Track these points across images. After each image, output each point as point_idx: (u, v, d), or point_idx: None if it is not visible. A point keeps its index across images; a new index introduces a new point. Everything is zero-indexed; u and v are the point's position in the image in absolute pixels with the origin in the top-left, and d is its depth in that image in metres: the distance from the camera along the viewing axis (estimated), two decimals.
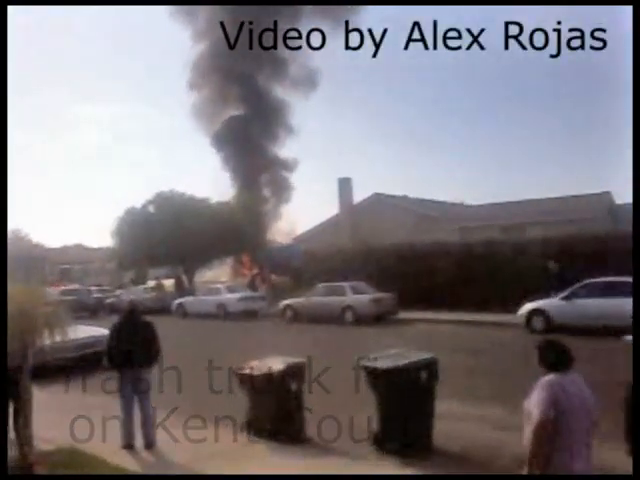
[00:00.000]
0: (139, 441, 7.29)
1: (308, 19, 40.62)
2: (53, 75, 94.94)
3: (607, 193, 32.03)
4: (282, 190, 44.18)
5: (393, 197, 36.57)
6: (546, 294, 16.95)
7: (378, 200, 35.77)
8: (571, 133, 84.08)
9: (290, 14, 40.55)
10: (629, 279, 15.15)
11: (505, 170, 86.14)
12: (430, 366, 6.92)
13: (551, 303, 16.07)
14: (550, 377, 3.89)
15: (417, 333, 17.40)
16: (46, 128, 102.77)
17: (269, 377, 7.24)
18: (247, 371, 7.51)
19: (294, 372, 7.40)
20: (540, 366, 4.07)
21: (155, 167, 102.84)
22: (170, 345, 8.74)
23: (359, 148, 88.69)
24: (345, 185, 37.83)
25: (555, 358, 4.01)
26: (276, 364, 7.46)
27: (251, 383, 7.44)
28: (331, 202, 43.29)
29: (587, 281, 15.83)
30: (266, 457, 6.72)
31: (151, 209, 34.21)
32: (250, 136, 42.33)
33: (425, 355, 7.10)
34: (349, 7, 39.93)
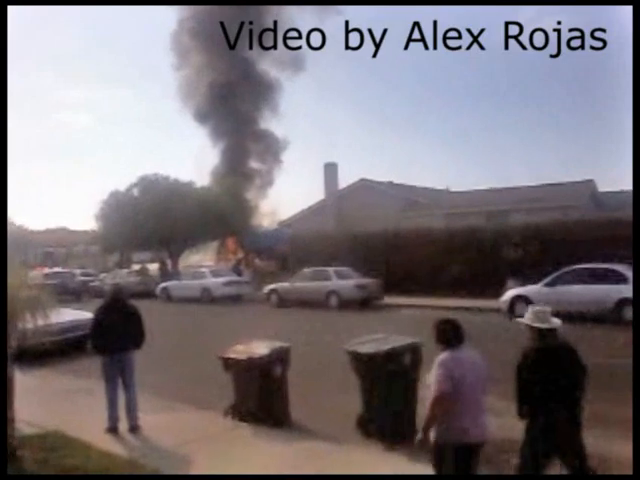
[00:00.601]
0: (124, 424, 7.29)
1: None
2: (35, 59, 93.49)
3: (590, 181, 32.28)
4: (271, 167, 44.03)
5: (379, 183, 36.56)
6: (507, 279, 17.94)
7: (364, 186, 35.75)
8: (556, 121, 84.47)
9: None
10: (611, 265, 15.36)
11: (491, 157, 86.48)
12: (414, 351, 6.97)
13: (534, 289, 16.22)
14: (445, 354, 4.32)
15: (401, 318, 17.50)
16: (32, 111, 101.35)
17: (254, 361, 7.25)
18: (232, 355, 7.51)
19: (279, 356, 7.43)
20: (437, 343, 4.44)
21: (140, 150, 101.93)
22: (155, 329, 8.72)
23: (345, 133, 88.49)
24: (331, 170, 37.74)
25: (449, 335, 4.44)
26: (261, 348, 7.47)
27: (236, 367, 7.44)
28: (317, 187, 43.18)
29: (570, 267, 15.99)
30: (251, 441, 6.75)
31: (135, 192, 33.97)
32: (235, 107, 42.03)
33: (409, 340, 7.14)
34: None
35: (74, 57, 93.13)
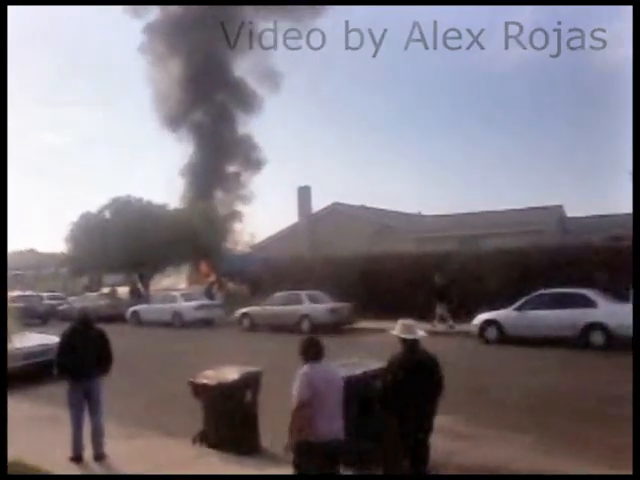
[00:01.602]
0: (89, 452, 7.12)
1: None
2: (10, 76, 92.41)
3: (559, 206, 32.93)
4: (243, 190, 44.39)
5: (351, 206, 36.75)
6: (431, 305, 19.45)
7: (337, 209, 35.91)
8: (524, 147, 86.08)
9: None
10: (579, 290, 15.60)
11: (463, 182, 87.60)
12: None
13: (504, 314, 16.37)
14: (304, 368, 4.90)
15: (373, 342, 17.45)
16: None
17: (224, 387, 7.16)
18: (202, 381, 7.41)
19: (249, 382, 7.35)
20: (300, 358, 4.99)
21: (112, 172, 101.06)
22: (123, 354, 8.58)
23: (319, 156, 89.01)
24: (304, 193, 37.87)
25: (310, 351, 5.00)
26: (231, 374, 7.39)
27: (205, 393, 7.35)
28: (290, 210, 43.28)
29: (539, 292, 16.19)
30: (220, 468, 6.65)
31: (107, 214, 33.58)
32: (212, 111, 42.48)
33: (381, 364, 7.14)
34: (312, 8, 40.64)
35: (46, 76, 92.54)
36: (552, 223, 29.93)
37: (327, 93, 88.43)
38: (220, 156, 43.77)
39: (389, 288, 22.05)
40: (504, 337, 16.07)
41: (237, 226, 41.41)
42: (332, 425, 4.86)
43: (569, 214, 33.48)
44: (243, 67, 44.55)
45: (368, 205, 38.15)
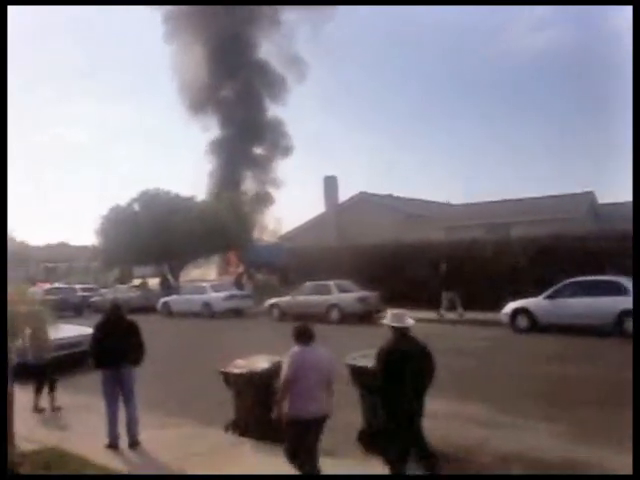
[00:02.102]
0: (124, 440, 7.26)
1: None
2: (37, 73, 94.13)
3: (589, 193, 32.30)
4: (271, 173, 44.69)
5: (378, 196, 36.61)
6: (438, 292, 19.75)
7: (364, 199, 35.79)
8: (557, 133, 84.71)
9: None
10: (613, 278, 15.34)
11: (491, 169, 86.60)
12: None
13: (535, 302, 16.19)
14: (294, 349, 5.54)
15: None
16: (32, 125, 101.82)
17: (255, 376, 7.24)
18: (233, 370, 7.50)
19: (279, 371, 7.39)
20: (294, 341, 5.61)
21: (141, 165, 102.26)
22: (155, 344, 8.71)
23: (345, 146, 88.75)
24: (331, 183, 37.81)
25: (300, 335, 5.60)
26: (261, 363, 7.46)
27: (237, 382, 7.43)
28: (317, 200, 43.31)
29: (570, 280, 15.97)
30: (251, 456, 6.73)
31: (136, 207, 33.97)
32: (240, 95, 42.64)
33: None
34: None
35: (73, 71, 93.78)
36: (583, 210, 29.39)
37: (353, 82, 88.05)
38: (248, 137, 43.85)
39: (417, 277, 21.93)
40: (535, 326, 15.90)
41: (265, 216, 41.65)
42: (316, 404, 5.39)
43: (601, 201, 32.81)
44: (269, 51, 44.71)
45: (395, 194, 38.00)
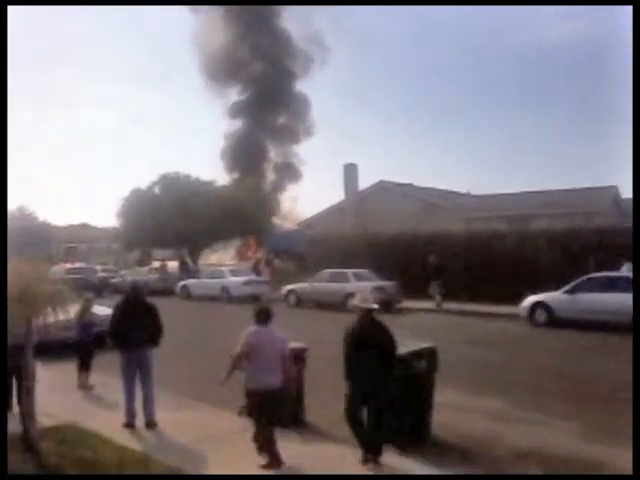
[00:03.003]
0: (141, 420, 7.37)
1: None
2: (60, 55, 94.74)
3: (613, 187, 31.86)
4: (291, 167, 44.60)
5: (398, 184, 36.44)
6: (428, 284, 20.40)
7: (383, 187, 35.67)
8: (579, 126, 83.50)
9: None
10: (630, 274, 15.15)
11: (512, 161, 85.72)
12: (430, 355, 6.95)
13: (554, 296, 16.06)
14: (251, 328, 6.13)
15: (419, 322, 17.45)
16: (55, 107, 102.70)
17: None
18: None
19: (295, 357, 7.43)
20: (253, 321, 6.17)
21: (161, 148, 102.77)
22: (173, 326, 8.80)
23: (366, 134, 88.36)
24: (351, 171, 37.70)
25: (259, 316, 6.18)
26: None
27: None
28: (337, 188, 43.23)
29: (590, 275, 15.82)
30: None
31: (157, 190, 34.22)
32: (259, 107, 42.55)
33: (425, 344, 7.13)
34: None
35: (99, 53, 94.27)
36: (606, 204, 29.01)
37: (374, 69, 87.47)
38: (272, 107, 43.71)
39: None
40: (553, 320, 15.79)
41: (284, 203, 41.66)
42: (269, 377, 5.94)
43: (625, 195, 32.34)
44: (292, 31, 44.55)
45: (415, 184, 37.78)
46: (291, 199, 42.95)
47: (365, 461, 5.96)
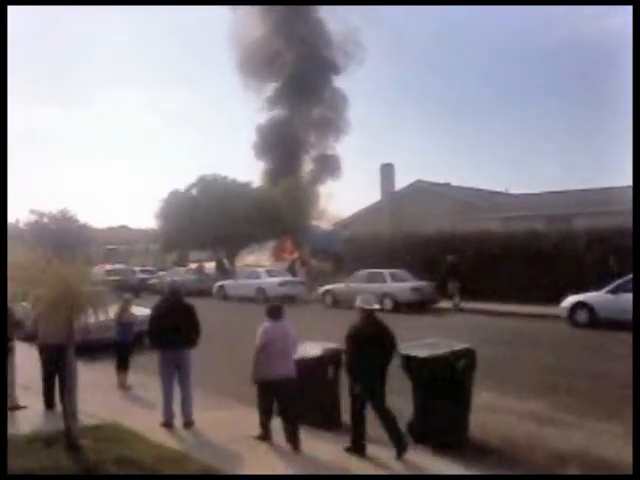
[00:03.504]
0: (179, 420, 7.45)
1: None
2: (97, 58, 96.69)
3: None
4: (330, 159, 44.45)
5: (435, 184, 36.14)
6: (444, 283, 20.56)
7: (420, 187, 35.41)
8: (617, 123, 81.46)
9: None
10: None
11: (552, 159, 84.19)
12: (468, 356, 6.87)
13: (596, 296, 15.70)
14: (266, 323, 6.77)
15: (456, 323, 17.26)
16: (93, 109, 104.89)
17: (306, 362, 7.27)
18: None
19: (331, 358, 7.43)
20: (266, 317, 6.83)
21: (199, 150, 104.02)
22: (210, 327, 8.88)
23: (402, 134, 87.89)
24: (387, 171, 37.56)
25: (271, 313, 6.85)
26: (314, 350, 7.49)
27: None
28: (373, 188, 43.11)
29: (633, 275, 15.38)
30: (301, 441, 6.78)
31: (194, 192, 34.63)
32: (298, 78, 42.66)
33: (463, 345, 7.05)
34: None
35: (136, 57, 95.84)
36: None
37: (411, 69, 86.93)
38: (309, 97, 43.56)
39: (473, 268, 21.57)
40: (595, 321, 15.43)
41: (320, 198, 41.54)
42: (283, 367, 6.55)
43: None
44: (328, 25, 44.45)
45: (453, 183, 37.41)
46: (326, 195, 42.63)
47: (349, 450, 6.33)
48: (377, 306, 6.53)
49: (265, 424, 6.83)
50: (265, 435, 6.80)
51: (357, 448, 6.27)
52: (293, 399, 6.62)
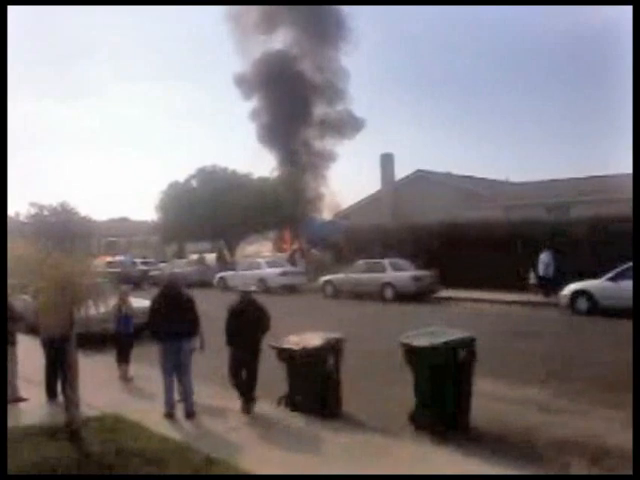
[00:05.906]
0: (180, 410, 7.47)
1: None
2: (99, 53, 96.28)
3: None
4: (326, 153, 43.82)
5: (435, 173, 36.03)
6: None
7: (421, 176, 35.32)
8: (616, 111, 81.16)
9: None
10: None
11: (551, 147, 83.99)
12: (468, 345, 6.86)
13: (596, 284, 15.71)
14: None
15: (457, 312, 17.28)
16: (92, 103, 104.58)
17: (307, 352, 7.28)
18: (286, 346, 7.57)
19: (332, 347, 7.43)
20: None
21: (198, 142, 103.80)
22: (211, 317, 8.88)
23: (402, 123, 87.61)
24: (387, 161, 37.46)
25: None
26: (314, 339, 7.50)
27: (289, 358, 7.51)
28: (373, 178, 42.88)
29: (633, 262, 15.38)
30: (302, 430, 6.81)
31: (194, 183, 34.56)
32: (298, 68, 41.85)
33: (463, 334, 7.04)
34: None
35: (136, 51, 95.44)
36: None
37: (410, 58, 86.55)
38: (306, 93, 42.79)
39: (474, 257, 21.54)
40: (595, 308, 15.44)
41: (321, 191, 41.25)
42: None
43: None
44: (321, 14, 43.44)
45: (453, 172, 37.31)
46: (327, 188, 42.21)
47: (244, 409, 7.45)
48: (253, 287, 8.43)
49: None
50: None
51: (247, 400, 7.49)
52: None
